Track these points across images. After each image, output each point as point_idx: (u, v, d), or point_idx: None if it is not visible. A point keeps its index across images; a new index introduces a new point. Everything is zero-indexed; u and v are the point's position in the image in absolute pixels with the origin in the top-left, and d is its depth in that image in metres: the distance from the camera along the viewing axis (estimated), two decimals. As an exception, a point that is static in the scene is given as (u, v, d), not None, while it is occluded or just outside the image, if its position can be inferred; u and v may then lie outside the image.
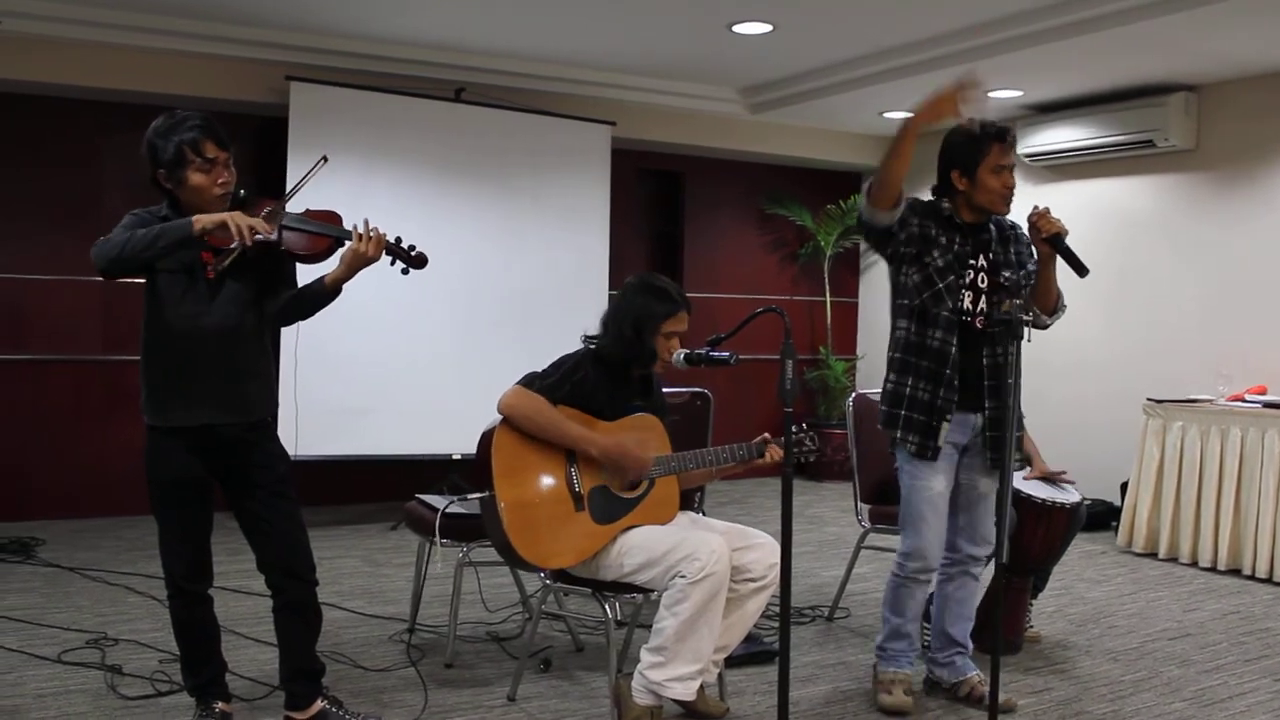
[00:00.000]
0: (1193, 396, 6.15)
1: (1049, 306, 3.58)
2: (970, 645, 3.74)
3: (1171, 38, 5.58)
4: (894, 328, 3.64)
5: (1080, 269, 3.35)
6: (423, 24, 6.05)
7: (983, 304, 3.53)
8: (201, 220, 2.83)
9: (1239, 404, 5.88)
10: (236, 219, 2.83)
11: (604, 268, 7.24)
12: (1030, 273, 3.58)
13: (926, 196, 3.62)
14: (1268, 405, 5.73)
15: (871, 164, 8.70)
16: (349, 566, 5.50)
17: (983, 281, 3.54)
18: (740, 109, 7.84)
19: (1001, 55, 5.94)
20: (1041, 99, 7.09)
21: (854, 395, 4.80)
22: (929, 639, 3.88)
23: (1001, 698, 3.55)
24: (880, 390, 3.71)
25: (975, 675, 3.68)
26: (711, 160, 8.48)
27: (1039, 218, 3.40)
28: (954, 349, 3.50)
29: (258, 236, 2.88)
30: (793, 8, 5.58)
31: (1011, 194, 3.51)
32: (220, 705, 3.23)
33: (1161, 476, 6.05)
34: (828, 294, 8.77)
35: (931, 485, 3.54)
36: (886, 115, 7.74)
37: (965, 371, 3.52)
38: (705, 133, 7.94)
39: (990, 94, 6.93)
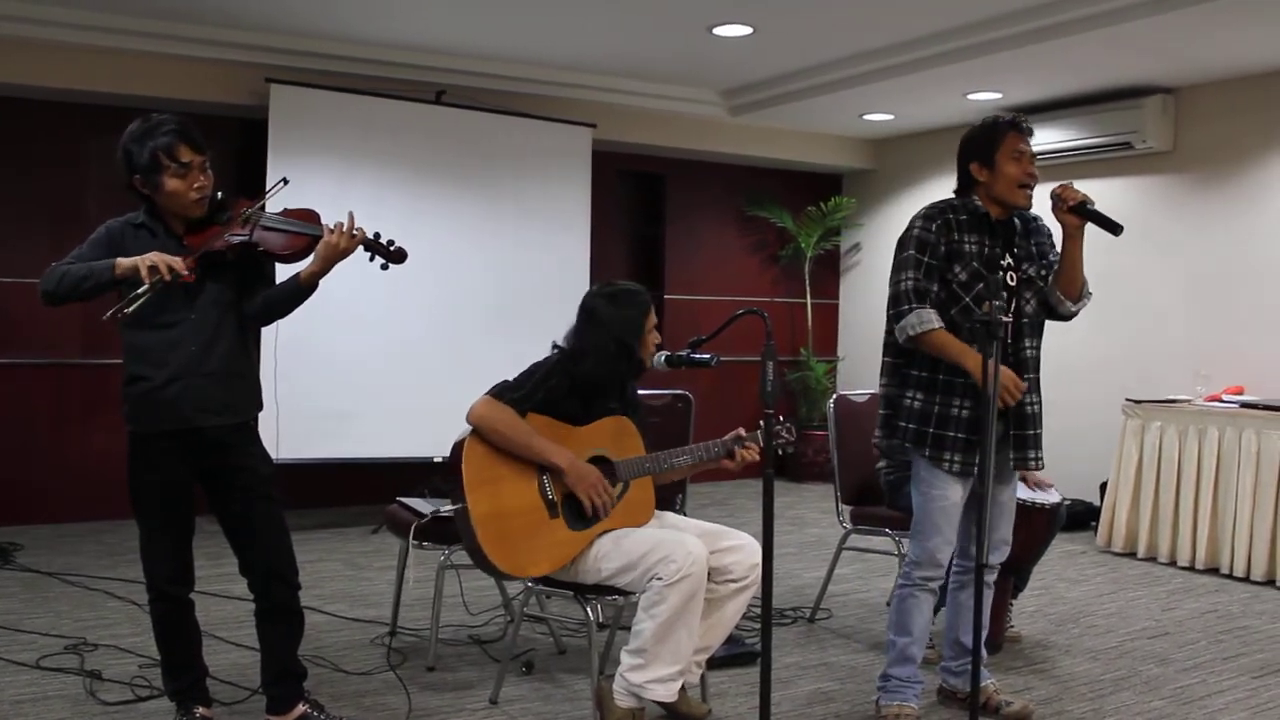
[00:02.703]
0: (1171, 397, 6.19)
1: (1075, 293, 3.48)
2: (984, 653, 3.64)
3: (1149, 41, 5.63)
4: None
5: (1114, 228, 3.33)
6: (403, 26, 6.03)
7: (1016, 302, 3.44)
8: (122, 265, 2.82)
9: (1216, 404, 5.92)
10: (152, 260, 2.79)
11: (585, 270, 7.24)
12: (1052, 263, 3.51)
13: (936, 196, 3.53)
14: (1244, 405, 5.78)
15: (852, 165, 8.74)
16: (330, 570, 5.48)
17: (1012, 279, 3.43)
18: (721, 111, 7.85)
19: (981, 57, 5.99)
20: (1020, 101, 7.13)
21: (835, 397, 4.81)
22: (940, 648, 3.84)
23: (1018, 704, 3.58)
24: (878, 394, 3.59)
25: (991, 684, 3.64)
26: (692, 162, 8.49)
27: (1062, 189, 3.37)
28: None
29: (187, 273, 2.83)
30: (772, 10, 5.60)
31: (1032, 184, 3.41)
32: (201, 710, 3.21)
33: (1140, 476, 6.08)
34: (808, 295, 8.79)
35: (949, 496, 3.39)
36: (866, 117, 7.77)
37: None
38: (686, 135, 7.95)
39: (969, 96, 6.97)
